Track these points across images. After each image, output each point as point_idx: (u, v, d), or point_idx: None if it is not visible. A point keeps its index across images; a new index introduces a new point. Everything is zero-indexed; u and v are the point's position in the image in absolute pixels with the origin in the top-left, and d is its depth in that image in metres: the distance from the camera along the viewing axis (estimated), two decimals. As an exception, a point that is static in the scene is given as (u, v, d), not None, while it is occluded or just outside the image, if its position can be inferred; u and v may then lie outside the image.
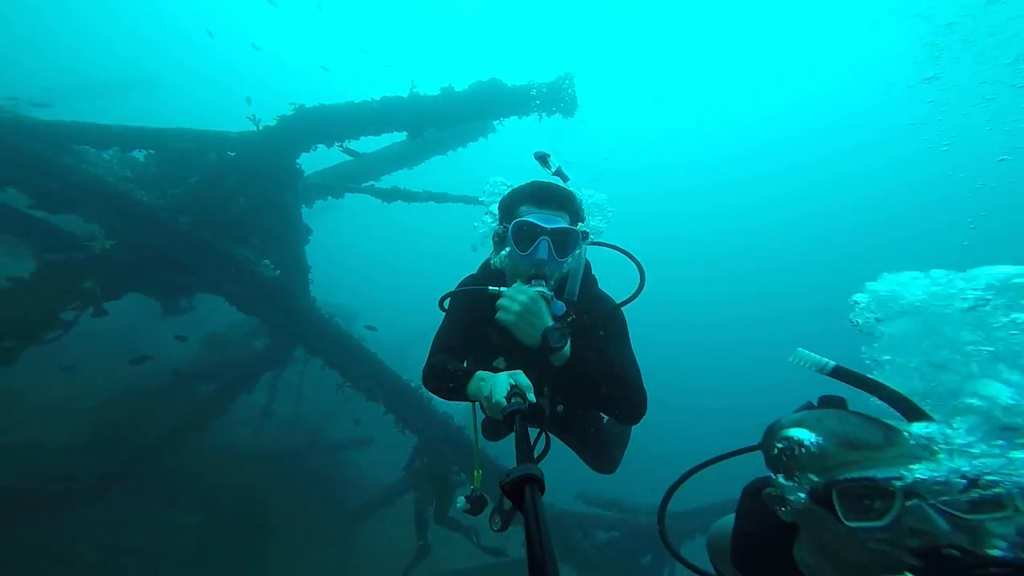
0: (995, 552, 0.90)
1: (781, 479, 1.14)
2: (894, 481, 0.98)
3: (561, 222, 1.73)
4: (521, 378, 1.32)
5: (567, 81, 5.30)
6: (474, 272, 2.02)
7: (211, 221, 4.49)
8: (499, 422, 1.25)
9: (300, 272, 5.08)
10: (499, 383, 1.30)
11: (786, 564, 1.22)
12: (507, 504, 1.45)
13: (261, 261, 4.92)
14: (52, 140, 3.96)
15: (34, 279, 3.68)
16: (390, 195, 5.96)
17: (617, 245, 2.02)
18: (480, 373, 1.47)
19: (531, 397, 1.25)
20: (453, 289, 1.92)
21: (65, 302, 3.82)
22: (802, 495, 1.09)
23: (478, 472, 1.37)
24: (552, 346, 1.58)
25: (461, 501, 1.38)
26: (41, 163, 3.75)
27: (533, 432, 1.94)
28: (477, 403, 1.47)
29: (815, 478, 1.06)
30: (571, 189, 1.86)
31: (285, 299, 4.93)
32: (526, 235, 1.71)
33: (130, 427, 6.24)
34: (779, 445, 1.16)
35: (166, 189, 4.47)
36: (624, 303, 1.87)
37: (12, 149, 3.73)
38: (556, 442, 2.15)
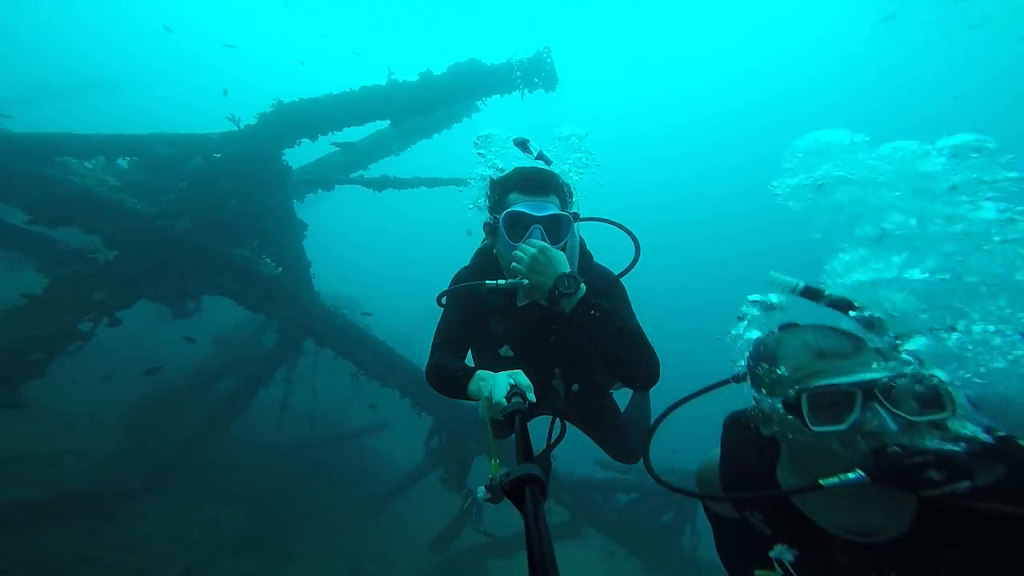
0: (926, 444, 1.01)
1: (763, 399, 1.24)
2: (853, 386, 1.08)
3: (551, 207, 1.74)
4: (521, 378, 1.32)
5: (546, 55, 5.28)
6: (467, 264, 2.02)
7: (208, 224, 4.62)
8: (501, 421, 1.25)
9: (301, 267, 5.23)
10: (499, 383, 1.29)
11: (770, 486, 1.33)
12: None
13: (261, 259, 5.08)
14: (33, 153, 4.06)
15: (47, 294, 3.86)
16: (381, 184, 6.04)
17: (609, 219, 2.03)
18: (480, 373, 1.48)
19: (531, 397, 1.25)
20: (449, 284, 1.91)
21: (80, 314, 4.02)
22: (778, 405, 1.19)
23: (495, 461, 1.35)
24: (562, 292, 1.59)
25: (481, 491, 1.38)
26: (29, 178, 3.87)
27: (547, 420, 2.00)
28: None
29: (786, 391, 1.17)
30: (555, 171, 1.87)
31: (290, 295, 5.10)
32: (518, 225, 1.72)
33: (163, 430, 6.59)
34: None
35: (158, 196, 4.59)
36: (622, 274, 1.89)
37: None
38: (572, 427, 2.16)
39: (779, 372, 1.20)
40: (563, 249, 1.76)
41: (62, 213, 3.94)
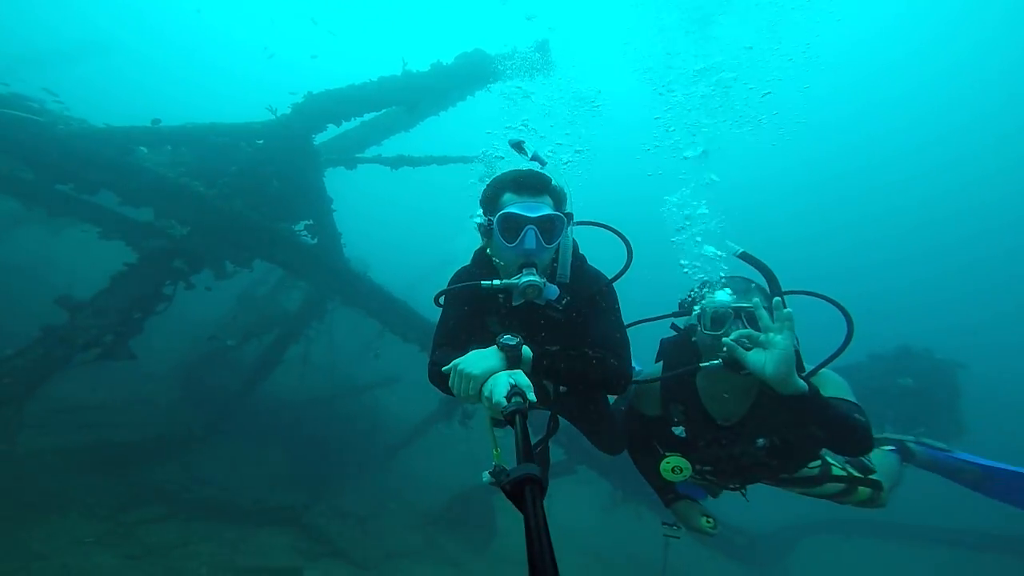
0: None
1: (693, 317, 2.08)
2: (728, 307, 1.96)
3: (545, 208, 1.82)
4: (521, 378, 1.38)
5: (544, 47, 6.20)
6: (467, 264, 2.13)
7: (256, 202, 5.69)
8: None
9: (333, 238, 6.35)
10: (499, 383, 1.35)
11: (696, 394, 2.16)
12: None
13: (299, 232, 6.18)
14: (119, 144, 5.07)
15: (140, 263, 4.98)
16: (396, 162, 7.05)
17: (602, 222, 2.18)
18: None
19: (531, 397, 1.30)
20: (448, 284, 2.03)
21: (164, 279, 5.16)
22: (693, 320, 2.13)
23: (496, 451, 1.45)
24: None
25: (486, 476, 1.49)
26: (119, 166, 4.91)
27: (544, 415, 2.14)
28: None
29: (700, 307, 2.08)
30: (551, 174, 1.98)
31: (325, 262, 6.25)
32: (512, 226, 1.80)
33: (209, 382, 7.90)
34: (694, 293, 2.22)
35: (213, 180, 5.63)
36: (615, 278, 2.03)
37: (94, 154, 4.87)
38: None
39: (704, 298, 2.07)
40: (556, 250, 1.91)
41: (146, 195, 5.00)
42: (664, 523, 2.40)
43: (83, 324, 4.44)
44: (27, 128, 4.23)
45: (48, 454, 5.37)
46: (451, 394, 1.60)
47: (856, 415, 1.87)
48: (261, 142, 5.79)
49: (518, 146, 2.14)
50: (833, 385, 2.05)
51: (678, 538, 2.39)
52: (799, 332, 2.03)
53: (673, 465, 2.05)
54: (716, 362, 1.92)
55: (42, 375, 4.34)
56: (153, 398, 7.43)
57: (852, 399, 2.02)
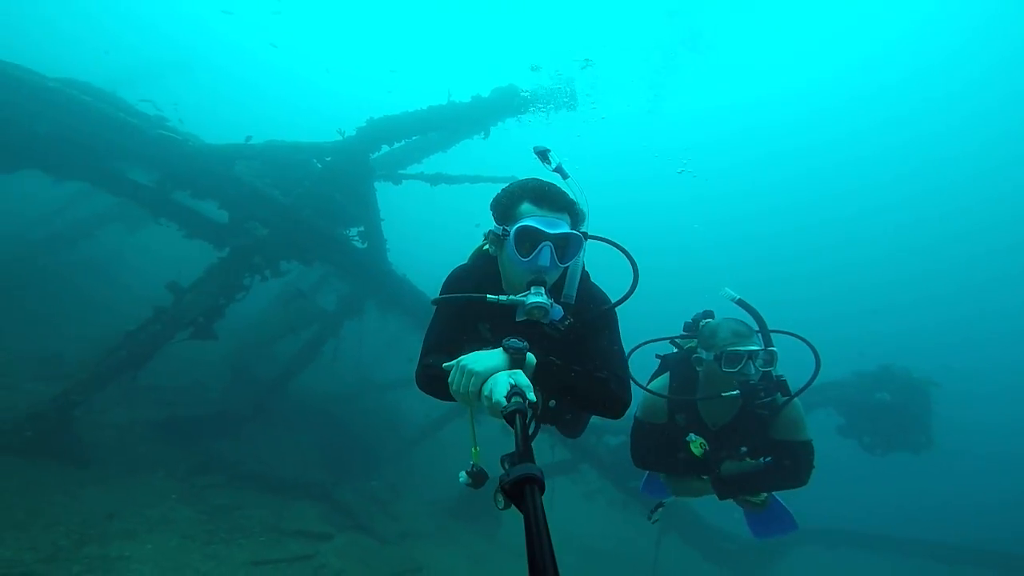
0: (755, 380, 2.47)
1: (702, 352, 2.55)
2: (745, 352, 2.42)
3: (563, 225, 1.80)
4: (521, 378, 1.38)
5: (568, 85, 7.39)
6: (463, 263, 2.12)
7: (322, 211, 6.79)
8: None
9: (380, 245, 7.44)
10: (499, 383, 1.36)
11: (695, 407, 2.66)
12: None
13: (352, 237, 7.27)
14: (222, 159, 6.22)
15: (230, 257, 6.06)
16: (435, 179, 8.19)
17: (612, 240, 2.12)
18: None
19: (531, 397, 1.30)
20: (444, 283, 2.03)
21: (244, 272, 6.23)
22: (710, 357, 2.55)
23: (476, 449, 1.48)
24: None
25: (463, 476, 1.49)
26: (222, 178, 6.04)
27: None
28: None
29: (717, 349, 2.50)
30: (571, 188, 1.97)
31: (373, 266, 7.32)
32: (528, 240, 1.77)
33: (253, 371, 8.95)
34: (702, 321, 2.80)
35: (289, 190, 6.75)
36: (619, 302, 1.98)
37: (208, 167, 6.01)
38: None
39: (715, 339, 2.52)
40: (566, 269, 1.92)
41: (239, 202, 6.10)
42: (650, 518, 2.87)
43: (186, 306, 5.49)
44: (168, 145, 5.35)
45: (136, 425, 6.38)
46: (444, 398, 1.64)
47: (802, 475, 2.53)
48: (329, 159, 6.92)
49: (543, 154, 2.11)
50: (797, 426, 2.58)
51: (659, 519, 2.84)
52: (786, 362, 2.61)
53: (699, 442, 2.56)
54: (735, 392, 2.42)
55: (152, 349, 5.36)
56: (207, 383, 8.46)
57: (807, 436, 2.58)
